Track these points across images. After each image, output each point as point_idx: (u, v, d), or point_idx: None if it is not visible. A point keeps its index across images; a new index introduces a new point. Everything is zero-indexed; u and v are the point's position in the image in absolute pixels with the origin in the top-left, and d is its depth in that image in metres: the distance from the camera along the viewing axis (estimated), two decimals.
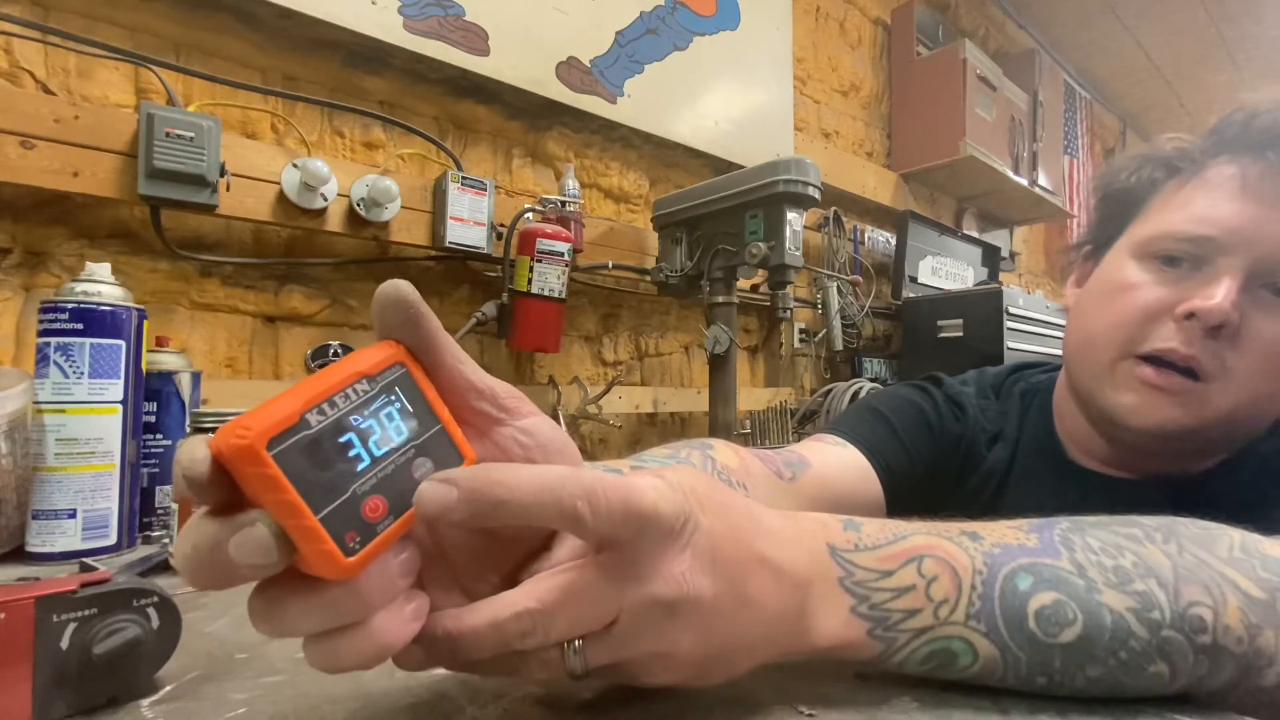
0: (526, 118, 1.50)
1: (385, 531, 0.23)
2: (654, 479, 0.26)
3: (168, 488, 0.75)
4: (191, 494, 0.21)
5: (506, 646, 0.25)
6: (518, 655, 0.26)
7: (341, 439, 0.23)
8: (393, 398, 0.25)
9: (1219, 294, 0.48)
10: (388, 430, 0.24)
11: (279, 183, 1.09)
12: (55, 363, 0.62)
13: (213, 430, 0.22)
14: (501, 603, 0.25)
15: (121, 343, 0.65)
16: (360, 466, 0.23)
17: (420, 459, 0.25)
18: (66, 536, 0.61)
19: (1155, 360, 0.51)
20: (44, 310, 0.63)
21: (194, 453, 0.21)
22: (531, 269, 1.28)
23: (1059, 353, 0.63)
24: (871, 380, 2.01)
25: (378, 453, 0.24)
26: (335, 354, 1.21)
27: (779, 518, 0.32)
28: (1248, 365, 0.48)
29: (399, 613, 0.24)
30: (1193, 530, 0.34)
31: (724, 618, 0.27)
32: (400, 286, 0.26)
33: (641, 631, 0.26)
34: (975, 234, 2.81)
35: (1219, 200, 0.51)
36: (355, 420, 0.23)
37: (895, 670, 0.32)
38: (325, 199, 1.12)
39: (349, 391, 0.24)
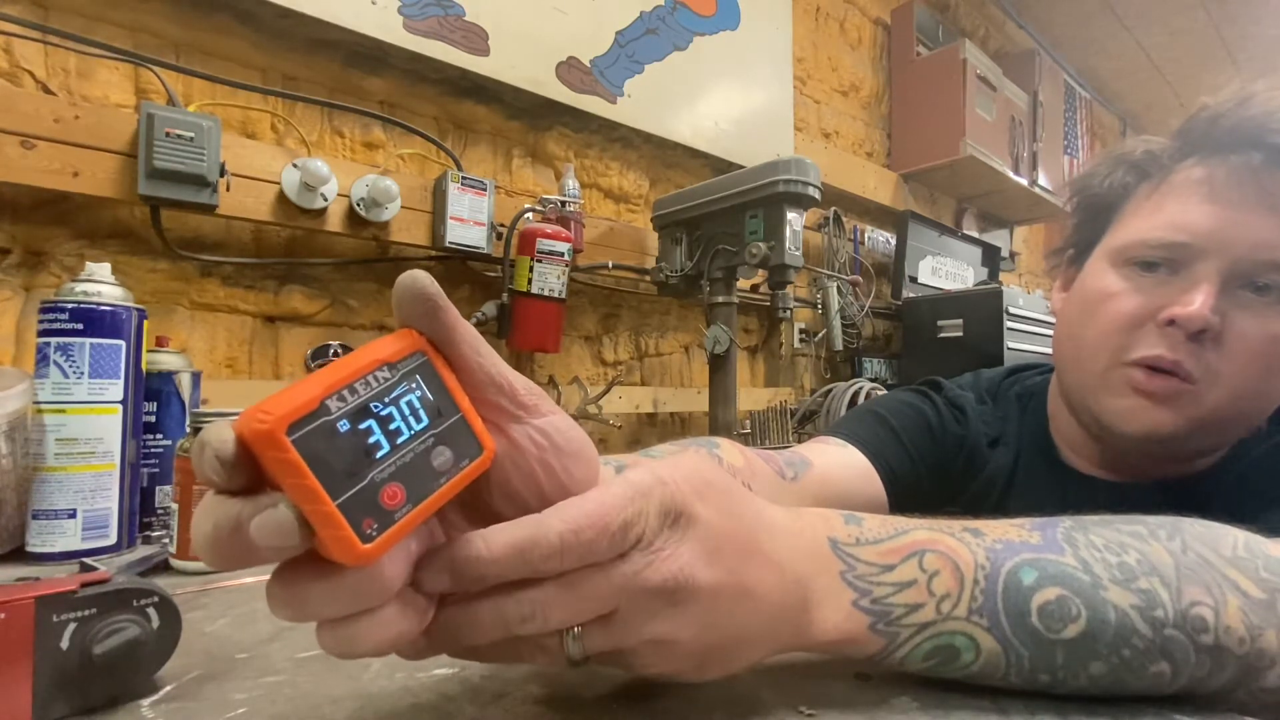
0: (526, 118, 1.50)
1: (403, 519, 0.23)
2: (625, 483, 0.26)
3: (168, 488, 0.75)
4: (218, 475, 0.21)
5: (507, 631, 0.25)
6: (517, 641, 0.26)
7: (361, 425, 0.23)
8: (413, 386, 0.25)
9: (1197, 300, 0.48)
10: (407, 418, 0.24)
11: (279, 183, 1.08)
12: (55, 363, 0.62)
13: None
14: (503, 588, 0.25)
15: (121, 343, 0.65)
16: (379, 454, 0.23)
17: (439, 447, 0.25)
18: (66, 536, 0.61)
19: (1144, 366, 0.51)
20: (44, 310, 0.63)
21: (221, 433, 0.21)
22: (531, 269, 1.28)
23: None
24: (871, 380, 2.01)
25: (397, 440, 0.24)
26: (335, 354, 1.21)
27: (780, 511, 0.32)
28: (1233, 366, 0.48)
29: (414, 600, 0.24)
30: (1197, 529, 0.34)
31: (724, 608, 0.27)
32: (419, 278, 0.25)
33: (641, 620, 0.26)
34: (975, 234, 2.81)
35: (1190, 205, 0.51)
36: (375, 407, 0.23)
37: (897, 667, 0.31)
38: (325, 199, 1.12)
39: (370, 379, 0.24)
